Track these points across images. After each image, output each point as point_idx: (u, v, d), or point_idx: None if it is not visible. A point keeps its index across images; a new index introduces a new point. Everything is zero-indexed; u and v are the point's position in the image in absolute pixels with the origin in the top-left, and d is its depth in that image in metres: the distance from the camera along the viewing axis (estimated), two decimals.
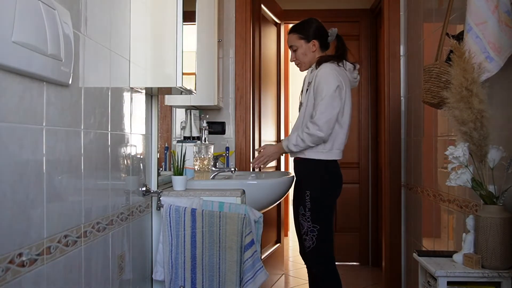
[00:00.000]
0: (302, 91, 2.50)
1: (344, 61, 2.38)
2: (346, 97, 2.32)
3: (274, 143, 3.99)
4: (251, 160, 3.25)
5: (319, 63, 2.37)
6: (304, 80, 2.48)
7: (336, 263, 2.35)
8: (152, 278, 2.00)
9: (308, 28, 2.42)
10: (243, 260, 1.92)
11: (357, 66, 2.45)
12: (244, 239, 1.92)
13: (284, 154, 2.39)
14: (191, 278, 1.91)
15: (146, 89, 1.86)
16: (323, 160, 2.31)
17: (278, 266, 3.74)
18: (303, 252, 2.42)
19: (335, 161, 2.36)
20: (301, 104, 2.44)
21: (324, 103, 2.23)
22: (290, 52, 2.50)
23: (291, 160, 2.48)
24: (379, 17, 3.90)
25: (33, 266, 1.07)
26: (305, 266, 2.49)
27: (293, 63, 2.52)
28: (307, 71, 2.49)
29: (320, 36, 2.43)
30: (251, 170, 3.22)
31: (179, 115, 2.66)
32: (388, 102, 3.23)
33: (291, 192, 2.56)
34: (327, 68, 2.30)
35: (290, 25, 2.90)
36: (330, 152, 2.31)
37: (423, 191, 2.73)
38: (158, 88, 1.81)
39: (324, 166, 2.32)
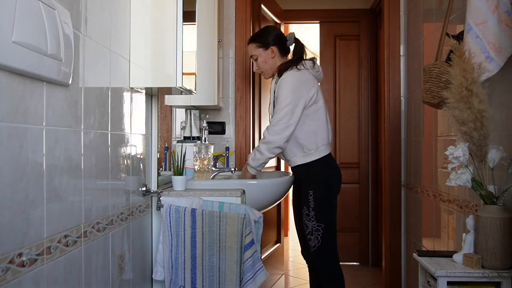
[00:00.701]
0: (269, 103, 2.54)
1: (302, 61, 2.40)
2: (317, 94, 2.34)
3: None
4: None
5: (279, 72, 2.40)
6: (270, 92, 2.52)
7: None
8: (152, 278, 2.01)
9: (265, 36, 2.47)
10: (243, 260, 1.92)
11: (316, 60, 2.46)
12: (244, 239, 1.92)
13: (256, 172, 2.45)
14: (191, 278, 1.91)
15: (146, 89, 1.86)
16: (317, 159, 2.34)
17: (278, 266, 3.74)
18: (306, 252, 2.43)
19: (328, 155, 2.38)
20: (271, 117, 2.47)
21: (281, 111, 2.27)
22: (252, 62, 2.54)
23: None
24: (379, 17, 3.90)
25: (33, 266, 1.07)
26: (305, 266, 2.49)
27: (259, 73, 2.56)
28: (272, 82, 2.51)
29: (278, 42, 2.46)
30: (250, 115, 3.26)
31: (179, 115, 2.66)
32: (388, 102, 3.23)
33: (291, 192, 2.56)
34: (288, 77, 2.33)
35: (291, 25, 2.92)
36: (318, 151, 2.34)
37: (423, 191, 2.73)
38: (158, 88, 1.81)
39: (322, 164, 2.35)
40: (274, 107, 2.39)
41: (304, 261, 2.56)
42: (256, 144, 3.43)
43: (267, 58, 2.46)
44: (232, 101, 3.25)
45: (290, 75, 2.34)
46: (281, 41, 2.48)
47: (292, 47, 2.51)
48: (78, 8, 1.30)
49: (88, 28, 1.37)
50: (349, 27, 4.23)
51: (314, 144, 2.34)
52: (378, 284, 3.60)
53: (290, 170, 2.57)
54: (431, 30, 2.64)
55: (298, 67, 2.37)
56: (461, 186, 1.73)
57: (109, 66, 1.53)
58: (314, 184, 2.32)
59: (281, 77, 2.37)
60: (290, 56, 2.51)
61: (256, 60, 2.50)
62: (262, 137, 2.35)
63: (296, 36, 2.52)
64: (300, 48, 2.47)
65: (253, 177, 2.41)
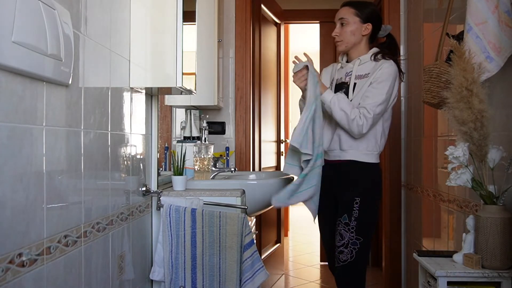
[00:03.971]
0: (331, 86, 2.22)
1: (396, 60, 2.16)
2: (396, 97, 2.14)
3: (274, 143, 3.99)
4: (250, 158, 3.25)
5: (374, 54, 2.14)
6: (338, 72, 2.23)
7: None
8: None
9: (367, 9, 2.17)
10: (242, 260, 1.92)
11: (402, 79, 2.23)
12: (244, 239, 1.92)
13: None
14: (191, 278, 1.91)
15: (146, 89, 1.86)
16: (375, 163, 2.11)
17: (278, 266, 3.74)
18: (336, 264, 2.09)
19: (379, 163, 2.16)
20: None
21: (381, 104, 2.03)
22: (337, 25, 2.19)
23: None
24: None
25: (33, 266, 1.07)
26: (305, 266, 2.44)
27: (335, 37, 2.20)
28: (350, 63, 2.20)
29: (376, 24, 2.18)
30: (250, 115, 3.19)
31: (179, 115, 2.66)
32: None
33: None
34: (393, 69, 2.08)
35: (292, 24, 2.87)
36: (378, 154, 2.12)
37: (423, 191, 2.73)
38: (158, 88, 1.81)
39: (376, 170, 2.12)
40: (354, 91, 2.11)
41: (305, 262, 2.48)
42: (256, 145, 3.43)
43: (357, 31, 2.15)
44: (232, 101, 3.25)
45: (395, 69, 2.09)
46: (378, 25, 2.20)
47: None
48: (78, 8, 1.30)
49: (88, 28, 1.37)
50: None
51: (377, 146, 2.10)
52: (378, 284, 3.60)
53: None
54: (431, 30, 2.64)
55: (395, 61, 2.13)
56: (461, 186, 1.73)
57: (109, 66, 1.53)
58: (364, 190, 2.06)
59: (384, 63, 2.08)
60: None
61: (343, 25, 2.16)
62: (359, 116, 2.01)
63: (305, 38, 2.32)
64: (395, 47, 2.23)
65: (324, 88, 2.09)
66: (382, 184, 2.19)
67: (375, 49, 2.19)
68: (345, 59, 2.25)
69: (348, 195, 2.07)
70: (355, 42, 2.17)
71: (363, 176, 2.09)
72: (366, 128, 2.02)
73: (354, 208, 2.04)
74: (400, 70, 2.15)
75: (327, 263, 2.36)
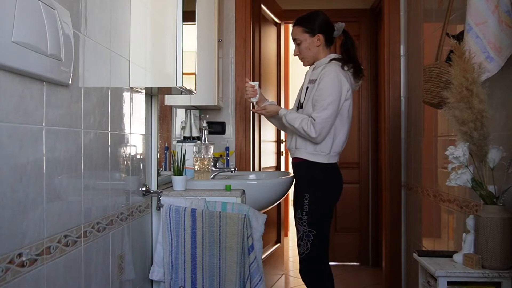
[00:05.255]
0: (301, 89, 2.41)
1: (349, 65, 2.28)
2: (349, 98, 2.24)
3: (274, 143, 3.99)
4: (250, 158, 3.26)
5: (331, 61, 2.28)
6: (305, 77, 2.39)
7: (336, 263, 2.27)
8: None
9: (313, 21, 2.31)
10: (250, 262, 1.92)
11: (362, 75, 2.33)
12: (247, 240, 1.91)
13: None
14: (191, 278, 1.91)
15: (146, 89, 1.86)
16: (324, 163, 2.23)
17: (278, 266, 3.74)
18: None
19: (335, 164, 2.29)
20: (300, 103, 2.35)
21: (327, 108, 2.16)
22: (295, 45, 2.38)
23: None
24: (379, 17, 3.90)
25: (33, 266, 1.07)
26: None
27: (296, 57, 2.42)
28: (308, 67, 2.40)
29: (325, 31, 2.32)
30: (250, 115, 3.25)
31: (179, 115, 2.66)
32: (388, 102, 3.23)
33: (291, 192, 2.55)
34: (332, 70, 2.21)
35: (291, 25, 2.87)
36: (328, 155, 2.23)
37: (423, 191, 2.73)
38: (158, 88, 1.81)
39: (325, 169, 2.24)
40: (306, 94, 2.28)
41: None
42: (256, 145, 3.43)
43: (311, 45, 2.31)
44: (232, 101, 3.25)
45: (335, 69, 2.21)
46: (329, 30, 2.33)
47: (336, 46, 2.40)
48: (78, 8, 1.30)
49: (88, 28, 1.37)
50: (349, 27, 4.16)
51: (328, 147, 2.22)
52: (378, 284, 3.60)
53: (290, 170, 2.53)
54: (431, 30, 2.64)
55: (345, 67, 2.26)
56: (461, 186, 1.73)
57: (109, 66, 1.53)
58: (312, 187, 2.22)
59: (325, 67, 2.24)
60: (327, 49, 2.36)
61: (298, 44, 2.33)
62: (307, 125, 2.17)
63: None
64: (351, 45, 2.32)
65: (274, 112, 2.33)
66: (336, 183, 2.29)
67: (332, 55, 2.32)
68: None
69: (300, 191, 2.26)
70: (314, 55, 2.33)
71: (311, 174, 2.24)
72: (317, 133, 2.16)
73: (305, 203, 2.21)
74: (360, 71, 2.29)
75: None
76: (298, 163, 2.30)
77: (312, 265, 2.22)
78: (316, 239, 2.19)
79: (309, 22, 2.31)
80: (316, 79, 2.25)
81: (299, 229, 2.23)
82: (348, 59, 2.30)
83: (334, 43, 2.40)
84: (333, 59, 2.29)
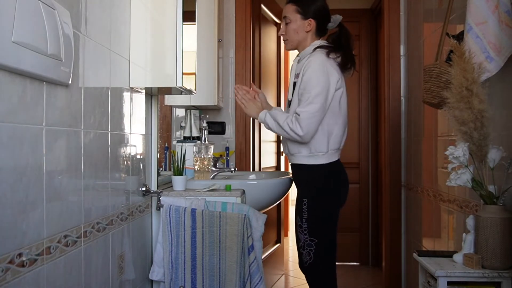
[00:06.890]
0: (289, 85, 2.17)
1: (337, 53, 2.05)
2: (341, 87, 2.04)
3: (274, 143, 3.99)
4: (250, 158, 3.25)
5: (316, 49, 2.05)
6: (291, 72, 2.17)
7: (336, 263, 2.10)
8: None
9: (310, 3, 2.08)
10: (250, 262, 1.91)
11: (350, 67, 2.11)
12: (247, 240, 1.91)
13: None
14: (191, 278, 1.91)
15: (146, 89, 1.86)
16: (324, 164, 2.03)
17: (278, 266, 3.74)
18: (302, 265, 2.10)
19: (336, 161, 2.09)
20: (289, 102, 2.12)
21: (313, 101, 1.94)
22: (282, 23, 2.15)
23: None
24: (379, 17, 3.90)
25: (33, 266, 1.07)
26: None
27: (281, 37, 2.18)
28: (293, 61, 2.17)
29: (320, 18, 2.09)
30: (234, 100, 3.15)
31: (179, 115, 2.66)
32: (388, 102, 3.23)
33: (291, 192, 2.54)
34: (317, 59, 1.99)
35: None
36: (327, 154, 2.03)
37: (423, 191, 2.73)
38: (158, 88, 1.81)
39: (326, 171, 2.04)
40: (293, 89, 2.07)
41: None
42: (256, 145, 3.43)
43: (300, 28, 2.08)
44: (232, 101, 3.25)
45: (319, 58, 2.00)
46: (324, 18, 2.10)
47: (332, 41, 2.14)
48: (78, 8, 1.30)
49: (88, 28, 1.37)
50: (349, 27, 4.13)
51: (324, 146, 2.02)
52: (378, 284, 3.60)
53: (289, 170, 2.49)
54: (431, 30, 2.64)
55: (331, 55, 2.03)
56: (461, 186, 1.73)
57: (109, 66, 1.53)
58: (310, 192, 2.03)
59: (309, 58, 2.02)
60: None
61: (287, 24, 2.10)
62: (292, 122, 1.96)
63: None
64: (346, 37, 2.10)
65: (253, 114, 2.12)
66: (338, 185, 2.09)
67: (317, 42, 2.09)
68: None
69: (298, 197, 2.09)
70: (300, 39, 2.10)
71: (308, 178, 2.05)
72: (304, 130, 1.94)
73: (304, 210, 2.03)
74: (350, 61, 2.08)
75: None
76: (296, 165, 2.11)
77: (316, 275, 2.05)
78: (320, 248, 2.01)
79: (305, 2, 2.09)
80: (300, 72, 2.04)
81: (300, 238, 2.04)
82: (336, 48, 2.07)
83: (326, 34, 2.17)
84: (318, 47, 2.06)
